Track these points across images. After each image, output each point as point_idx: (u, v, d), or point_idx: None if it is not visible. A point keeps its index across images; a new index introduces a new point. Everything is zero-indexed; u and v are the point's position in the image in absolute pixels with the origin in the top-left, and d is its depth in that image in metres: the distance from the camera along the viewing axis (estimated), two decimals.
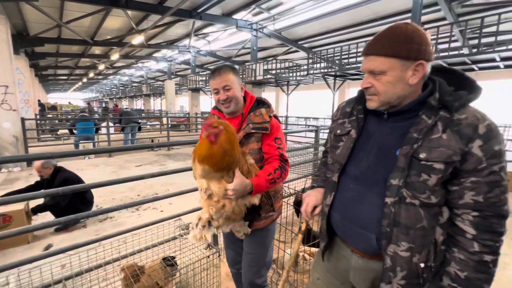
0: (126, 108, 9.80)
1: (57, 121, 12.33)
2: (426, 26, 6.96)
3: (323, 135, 7.52)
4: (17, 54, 10.03)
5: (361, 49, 7.24)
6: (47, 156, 2.71)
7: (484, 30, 6.01)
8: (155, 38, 12.80)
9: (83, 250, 1.74)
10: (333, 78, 9.15)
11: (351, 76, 8.89)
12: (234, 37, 12.83)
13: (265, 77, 10.17)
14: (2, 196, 2.58)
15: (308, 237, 1.93)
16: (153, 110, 24.90)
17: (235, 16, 9.90)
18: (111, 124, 8.17)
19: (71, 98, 50.07)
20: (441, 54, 6.96)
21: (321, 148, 3.85)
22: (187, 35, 12.29)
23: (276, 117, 1.37)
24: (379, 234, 0.83)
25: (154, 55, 16.91)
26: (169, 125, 11.27)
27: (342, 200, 0.95)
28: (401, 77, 0.80)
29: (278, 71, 10.20)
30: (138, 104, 32.34)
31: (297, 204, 2.77)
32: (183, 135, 11.89)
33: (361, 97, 0.99)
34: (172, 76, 18.78)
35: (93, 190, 3.46)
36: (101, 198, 4.04)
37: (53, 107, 16.17)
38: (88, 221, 3.38)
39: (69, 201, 3.05)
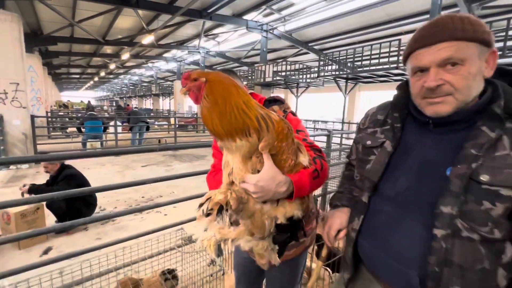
0: (134, 108, 9.83)
1: (67, 119, 12.50)
2: None
3: (335, 140, 7.31)
4: (31, 52, 10.21)
5: (375, 51, 7.02)
6: (54, 158, 2.63)
7: (510, 33, 5.70)
8: (165, 38, 12.85)
9: (77, 263, 1.62)
10: (344, 80, 8.93)
11: (363, 79, 8.64)
12: (244, 38, 12.75)
13: (274, 78, 10.03)
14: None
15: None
16: (161, 110, 25.08)
17: (246, 17, 9.81)
18: (118, 123, 8.17)
19: (83, 96, 51.15)
20: None
21: (334, 154, 3.66)
22: (197, 36, 12.27)
23: (293, 113, 1.13)
24: (424, 273, 0.66)
25: (164, 55, 17.02)
26: (177, 126, 11.25)
27: (374, 226, 0.78)
28: (480, 67, 0.64)
29: (287, 73, 10.05)
30: (147, 103, 32.67)
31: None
32: (190, 135, 11.85)
33: (398, 102, 0.83)
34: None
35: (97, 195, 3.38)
36: (105, 199, 3.96)
37: (65, 105, 16.43)
38: (89, 224, 3.29)
39: (72, 202, 2.97)
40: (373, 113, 0.92)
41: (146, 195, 4.32)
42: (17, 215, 2.58)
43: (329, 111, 22.26)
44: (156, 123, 13.11)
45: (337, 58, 8.51)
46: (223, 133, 0.73)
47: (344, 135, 7.14)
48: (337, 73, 8.55)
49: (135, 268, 1.98)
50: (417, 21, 7.82)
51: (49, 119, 11.20)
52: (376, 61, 7.10)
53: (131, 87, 33.44)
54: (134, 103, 33.74)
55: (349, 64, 8.41)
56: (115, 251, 1.81)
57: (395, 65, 6.46)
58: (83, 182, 3.18)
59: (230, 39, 13.39)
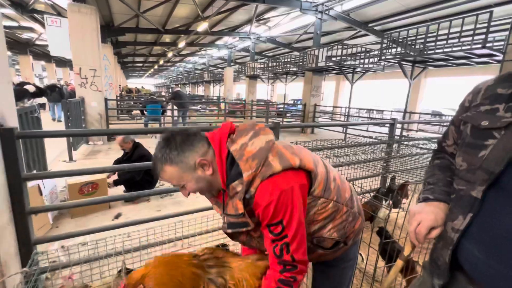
0: (178, 91, 10.28)
1: (132, 103, 13.98)
2: None
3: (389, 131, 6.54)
4: (105, 42, 11.52)
5: (455, 29, 5.87)
6: (123, 132, 2.96)
7: None
8: (218, 25, 13.13)
9: (143, 229, 1.77)
10: (411, 64, 7.84)
11: (435, 61, 7.42)
12: (296, 21, 12.26)
13: (327, 63, 9.42)
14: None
15: (406, 269, 1.52)
16: (212, 96, 26.22)
17: None
18: (175, 107, 8.78)
19: (145, 83, 56.65)
20: None
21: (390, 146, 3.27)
22: (249, 21, 12.22)
23: (273, 174, 0.78)
24: None
25: (216, 42, 17.49)
26: (227, 111, 11.61)
27: (492, 229, 0.62)
28: None
29: (342, 57, 9.31)
30: (199, 90, 34.47)
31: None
32: (238, 121, 12.11)
33: None
34: (232, 64, 19.23)
35: None
36: None
37: (130, 90, 18.40)
38: (151, 196, 3.64)
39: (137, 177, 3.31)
40: (490, 86, 0.72)
41: None
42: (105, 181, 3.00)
43: (386, 100, 20.26)
44: (208, 108, 13.75)
45: (404, 39, 7.47)
46: None
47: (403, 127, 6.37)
48: (401, 56, 7.54)
49: (190, 241, 2.10)
50: None
51: (118, 102, 12.65)
52: (455, 40, 5.98)
53: (185, 75, 35.60)
54: (187, 90, 36.00)
55: (417, 46, 7.33)
56: (175, 223, 1.94)
57: (480, 45, 5.34)
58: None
59: (282, 23, 13.01)
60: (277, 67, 13.71)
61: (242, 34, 14.12)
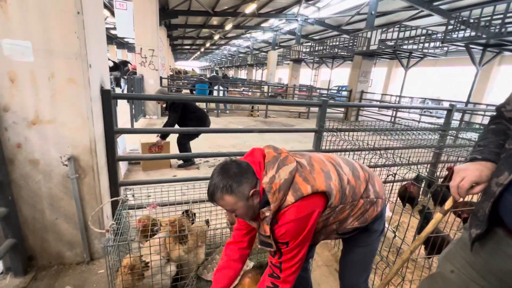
0: (214, 75, 10.61)
1: (181, 83, 14.91)
2: None
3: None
4: (160, 25, 12.34)
5: None
6: (174, 98, 3.33)
7: None
8: (265, 7, 12.99)
9: (199, 182, 2.07)
10: (481, 48, 6.87)
11: None
12: (349, 1, 11.51)
13: (381, 47, 8.78)
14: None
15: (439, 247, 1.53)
16: (254, 79, 26.41)
17: None
18: (221, 88, 9.19)
19: (191, 65, 59.29)
20: None
21: (442, 133, 3.07)
22: (297, 2, 11.86)
23: (288, 205, 0.90)
24: None
25: (262, 25, 17.37)
26: (269, 94, 11.72)
27: None
28: None
29: (398, 40, 8.56)
30: (242, 73, 34.90)
31: (403, 196, 2.35)
32: (279, 109, 12.13)
33: None
34: (276, 47, 18.99)
35: (203, 144, 4.04)
36: (210, 149, 4.73)
37: (179, 72, 19.54)
38: (200, 165, 4.05)
39: (182, 119, 3.52)
40: None
41: (242, 150, 4.88)
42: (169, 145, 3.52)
43: (444, 91, 18.15)
44: (250, 92, 14.00)
45: (476, 19, 6.55)
46: None
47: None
48: (472, 38, 6.64)
49: None
50: None
51: (169, 82, 13.63)
52: None
53: (229, 58, 36.24)
54: (231, 73, 36.78)
55: (492, 29, 6.36)
56: None
57: None
58: (186, 104, 3.62)
59: (332, 4, 12.34)
60: (324, 50, 13.17)
61: (289, 15, 13.79)
